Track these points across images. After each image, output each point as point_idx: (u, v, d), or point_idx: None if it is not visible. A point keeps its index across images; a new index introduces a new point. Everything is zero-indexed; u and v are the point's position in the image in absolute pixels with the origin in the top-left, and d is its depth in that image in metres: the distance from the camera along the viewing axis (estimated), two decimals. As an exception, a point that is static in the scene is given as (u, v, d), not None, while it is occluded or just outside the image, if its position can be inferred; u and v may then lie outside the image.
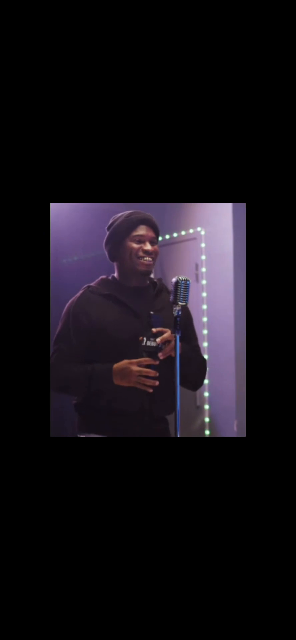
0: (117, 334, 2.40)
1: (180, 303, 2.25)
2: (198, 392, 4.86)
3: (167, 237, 5.19)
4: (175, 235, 5.14)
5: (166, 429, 2.52)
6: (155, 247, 2.51)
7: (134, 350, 2.37)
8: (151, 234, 2.50)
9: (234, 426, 4.57)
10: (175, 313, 2.26)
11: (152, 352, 2.37)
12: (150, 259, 2.48)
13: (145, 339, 2.38)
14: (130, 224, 2.49)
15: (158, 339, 2.36)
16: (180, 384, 2.25)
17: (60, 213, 4.51)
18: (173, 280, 2.25)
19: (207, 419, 4.83)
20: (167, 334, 2.37)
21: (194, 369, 2.58)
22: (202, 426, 4.84)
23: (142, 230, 2.49)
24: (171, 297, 2.27)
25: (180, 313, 2.26)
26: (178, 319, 2.26)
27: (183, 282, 2.24)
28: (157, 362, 2.36)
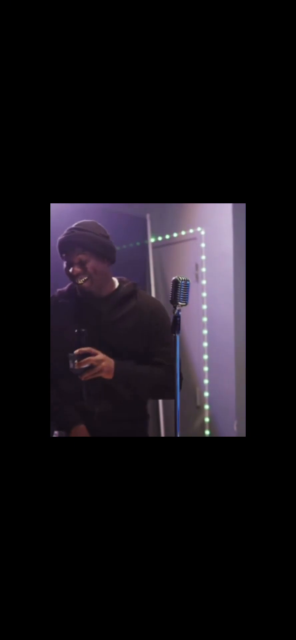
0: (59, 344, 2.40)
1: (180, 303, 2.24)
2: (198, 392, 4.86)
3: (167, 237, 5.19)
4: (175, 235, 5.14)
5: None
6: (85, 266, 2.42)
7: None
8: (73, 257, 2.42)
9: (234, 426, 4.57)
10: (174, 313, 2.25)
11: (77, 375, 2.33)
12: (81, 281, 2.42)
13: (70, 361, 2.31)
14: (58, 246, 2.45)
15: (76, 362, 2.31)
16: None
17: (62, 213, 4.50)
18: (173, 279, 2.25)
19: (207, 419, 4.83)
20: (89, 357, 2.31)
21: (146, 385, 2.48)
22: (202, 426, 4.84)
23: (64, 256, 2.44)
24: (170, 297, 2.26)
25: (180, 313, 2.25)
26: (178, 319, 2.25)
27: (183, 282, 2.23)
28: None
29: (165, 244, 5.21)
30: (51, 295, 2.51)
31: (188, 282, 2.24)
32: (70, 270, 2.42)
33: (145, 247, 5.22)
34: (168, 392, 2.44)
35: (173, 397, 2.34)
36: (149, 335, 2.48)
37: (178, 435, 2.20)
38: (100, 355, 2.34)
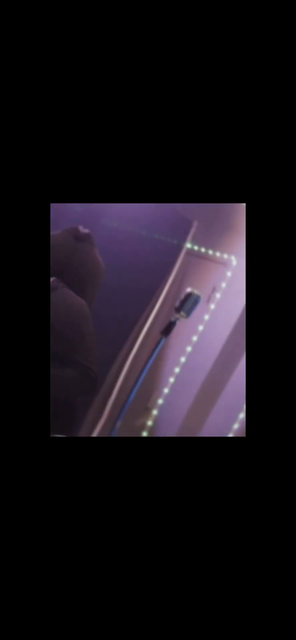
0: None
1: (182, 313, 2.28)
2: (154, 394, 4.76)
3: (203, 250, 5.10)
4: (210, 252, 5.05)
5: None
6: None
7: None
8: None
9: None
10: (172, 319, 2.28)
11: None
12: None
13: None
14: None
15: None
16: None
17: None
18: (187, 290, 2.28)
19: (149, 423, 4.70)
20: None
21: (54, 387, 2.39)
22: (142, 427, 4.73)
23: None
24: (177, 304, 2.29)
25: (176, 321, 2.28)
26: (172, 325, 2.27)
27: (194, 297, 2.26)
28: None
29: (197, 255, 5.16)
30: None
31: (198, 299, 2.28)
32: None
33: (179, 248, 5.16)
34: (81, 391, 2.45)
35: (91, 394, 2.39)
36: (63, 332, 2.46)
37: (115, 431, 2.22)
38: None
